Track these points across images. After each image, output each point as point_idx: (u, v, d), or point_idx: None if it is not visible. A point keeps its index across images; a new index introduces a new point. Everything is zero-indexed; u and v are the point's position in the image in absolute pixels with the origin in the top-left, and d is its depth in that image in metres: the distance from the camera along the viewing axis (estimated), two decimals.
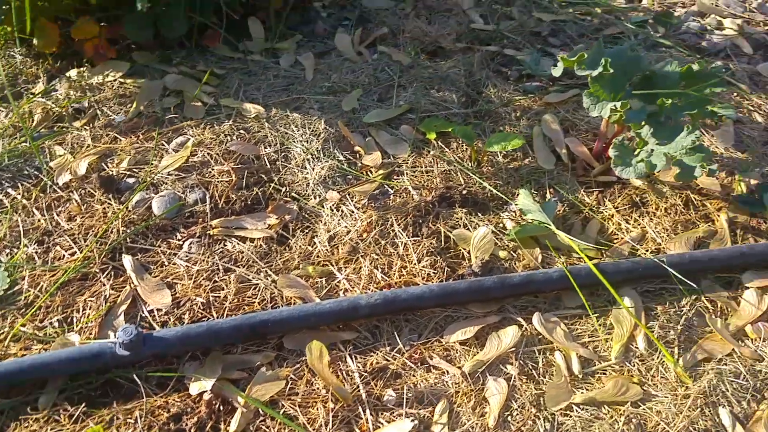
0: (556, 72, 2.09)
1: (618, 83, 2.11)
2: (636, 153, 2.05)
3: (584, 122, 2.45)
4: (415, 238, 2.02)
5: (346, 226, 2.05)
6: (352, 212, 2.10)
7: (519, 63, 2.80)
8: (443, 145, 2.33)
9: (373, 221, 2.05)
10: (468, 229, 2.06)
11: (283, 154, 2.28)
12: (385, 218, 2.06)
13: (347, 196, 2.15)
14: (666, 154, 1.95)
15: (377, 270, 1.94)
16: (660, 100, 2.06)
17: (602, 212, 2.15)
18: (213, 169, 2.18)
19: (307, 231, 2.06)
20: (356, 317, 1.79)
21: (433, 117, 2.45)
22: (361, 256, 1.97)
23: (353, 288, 1.90)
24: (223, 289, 1.85)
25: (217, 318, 1.77)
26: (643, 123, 2.10)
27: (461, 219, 2.09)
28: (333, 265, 1.95)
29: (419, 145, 2.33)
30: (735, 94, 2.64)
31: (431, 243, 2.00)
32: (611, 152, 2.02)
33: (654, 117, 2.11)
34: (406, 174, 2.24)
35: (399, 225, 2.05)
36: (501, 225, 2.09)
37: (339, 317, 1.76)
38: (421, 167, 2.25)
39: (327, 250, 2.00)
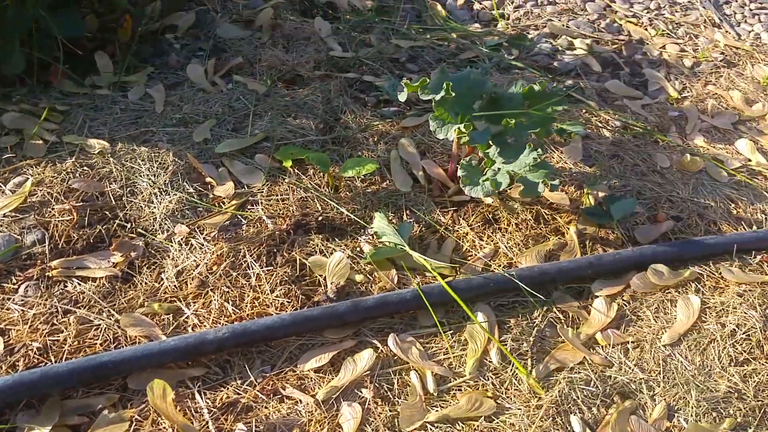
0: (402, 97, 2.15)
1: (463, 106, 2.20)
2: (484, 172, 2.13)
3: (440, 145, 2.53)
4: (269, 268, 2.02)
5: (194, 260, 2.03)
6: (202, 245, 2.09)
7: (377, 89, 2.86)
8: (300, 173, 2.35)
9: (223, 253, 2.04)
10: (324, 255, 2.09)
11: (129, 189, 2.24)
12: (237, 250, 2.06)
13: (197, 229, 2.14)
14: (510, 172, 2.04)
15: (228, 303, 1.93)
16: (504, 121, 2.16)
17: (457, 231, 2.22)
18: (53, 209, 2.12)
19: (153, 267, 2.03)
20: (204, 353, 1.77)
21: (289, 145, 2.47)
22: (211, 289, 1.96)
23: (202, 323, 1.88)
24: (62, 332, 1.80)
25: (56, 362, 1.71)
26: (489, 143, 2.19)
27: (318, 245, 2.11)
28: (181, 301, 1.93)
29: (275, 173, 2.34)
30: (584, 110, 2.79)
31: (286, 272, 2.01)
32: (459, 172, 2.10)
33: (500, 137, 2.20)
34: (261, 203, 2.24)
35: (252, 256, 2.05)
36: (358, 249, 2.12)
37: (185, 354, 1.75)
38: (277, 195, 2.27)
39: (175, 285, 1.97)
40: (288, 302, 1.93)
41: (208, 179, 2.31)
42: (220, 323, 1.87)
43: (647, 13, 3.65)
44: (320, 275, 2.03)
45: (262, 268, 2.02)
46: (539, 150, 2.07)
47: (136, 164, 2.34)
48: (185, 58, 3.00)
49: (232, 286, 1.97)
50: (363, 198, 2.29)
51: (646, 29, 3.51)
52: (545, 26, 3.42)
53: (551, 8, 3.58)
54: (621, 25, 3.53)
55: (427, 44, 3.22)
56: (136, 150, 2.39)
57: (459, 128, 2.08)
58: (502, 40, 3.28)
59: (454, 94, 2.05)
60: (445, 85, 2.04)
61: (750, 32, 3.56)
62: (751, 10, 3.76)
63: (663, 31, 3.50)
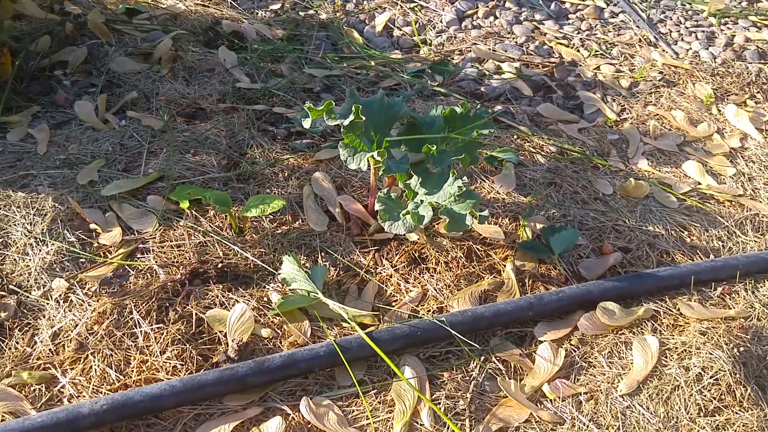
0: (306, 124, 1.98)
1: (378, 131, 2.03)
2: (406, 205, 1.95)
3: (358, 178, 2.36)
4: (159, 326, 1.80)
5: (73, 319, 1.80)
6: (83, 302, 1.85)
7: (289, 120, 2.69)
8: (198, 215, 2.14)
9: (107, 310, 1.82)
10: (225, 307, 1.88)
11: (0, 240, 2.00)
12: (122, 305, 1.84)
13: (77, 283, 1.90)
14: (432, 204, 1.87)
15: (110, 369, 1.70)
16: (425, 147, 1.99)
17: (380, 273, 2.04)
18: None
19: (26, 329, 1.80)
20: (80, 430, 1.54)
21: (186, 184, 2.26)
22: (91, 353, 1.73)
23: (80, 393, 1.65)
24: None
25: None
26: (410, 173, 2.02)
27: (217, 297, 1.90)
28: (56, 368, 1.70)
29: (170, 216, 2.13)
30: (516, 136, 2.66)
31: (179, 329, 1.79)
32: (377, 206, 1.92)
33: (421, 166, 2.04)
34: (152, 251, 2.02)
35: (139, 312, 1.83)
36: (265, 299, 1.92)
37: None
38: (171, 242, 2.05)
39: (50, 349, 1.74)
40: (181, 365, 1.71)
41: (93, 226, 2.09)
42: (100, 393, 1.64)
43: (578, 33, 3.57)
44: (220, 331, 1.81)
45: (151, 325, 1.80)
46: (464, 178, 1.90)
47: (10, 212, 2.10)
48: (76, 95, 2.79)
49: (115, 349, 1.74)
50: (272, 240, 2.09)
51: (578, 50, 3.42)
52: (470, 50, 3.30)
53: (476, 32, 3.47)
54: (551, 47, 3.44)
55: (344, 73, 3.07)
56: (11, 196, 2.15)
57: (373, 156, 1.90)
58: (424, 66, 3.15)
59: (364, 118, 1.87)
60: (354, 108, 1.87)
61: (688, 50, 3.51)
62: (687, 28, 3.72)
63: (596, 51, 3.42)
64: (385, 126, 2.06)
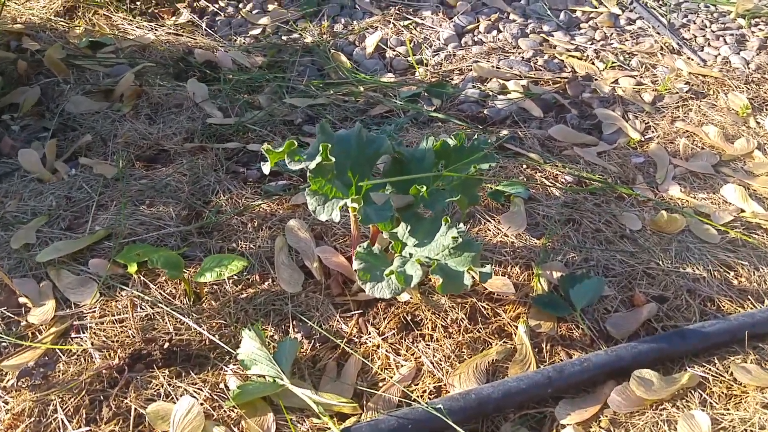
0: (265, 169, 1.64)
1: (356, 172, 1.69)
2: (392, 261, 1.60)
3: (341, 224, 2.02)
4: (90, 427, 1.47)
5: None
6: None
7: (264, 159, 2.33)
8: (148, 281, 1.81)
9: (25, 410, 1.48)
10: (172, 399, 1.53)
11: None
12: (46, 402, 1.51)
13: None
14: (421, 261, 1.51)
15: None
16: (413, 188, 1.65)
17: (364, 343, 1.70)
18: None
19: None
20: None
21: (138, 242, 1.93)
22: None
23: None
24: None
25: None
26: (397, 219, 1.68)
27: (162, 386, 1.56)
28: None
29: (115, 283, 1.80)
30: (525, 165, 2.30)
31: (113, 430, 1.46)
32: (355, 264, 1.58)
33: (409, 210, 1.69)
34: (89, 329, 1.69)
35: (66, 410, 1.50)
36: (222, 385, 1.57)
37: None
38: (113, 315, 1.72)
39: None
40: None
41: (23, 300, 1.77)
42: None
43: (592, 44, 3.23)
44: (164, 431, 1.46)
45: (79, 427, 1.47)
46: (461, 225, 1.55)
47: None
48: (25, 141, 2.47)
49: None
50: (234, 308, 1.76)
51: (592, 63, 3.07)
52: (471, 69, 2.96)
53: (477, 48, 3.13)
54: (562, 60, 3.09)
55: (330, 101, 2.74)
56: None
57: (347, 204, 1.55)
58: (420, 89, 2.81)
59: (334, 160, 1.52)
60: (321, 147, 1.52)
61: (716, 56, 3.16)
62: (713, 31, 3.36)
63: (613, 63, 3.07)
64: (366, 165, 1.73)
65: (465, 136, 1.77)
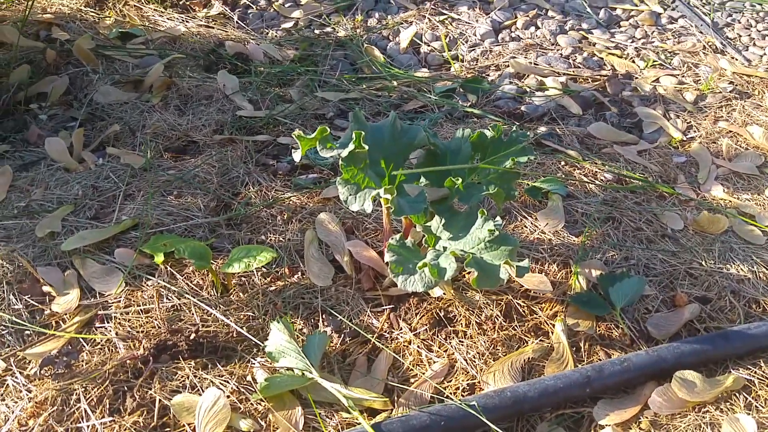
0: (295, 157, 1.62)
1: (388, 159, 1.66)
2: (425, 254, 1.57)
3: (372, 218, 1.99)
4: (113, 418, 1.46)
5: (4, 412, 1.44)
6: (21, 388, 1.50)
7: (296, 147, 2.32)
8: (175, 271, 1.79)
9: (48, 398, 1.46)
10: (197, 391, 1.51)
11: None
12: (69, 391, 1.48)
13: (17, 363, 1.55)
14: (456, 254, 1.48)
15: None
16: (449, 181, 1.62)
17: (396, 339, 1.66)
18: None
19: None
20: None
21: (165, 233, 1.91)
22: None
23: None
24: None
25: None
26: (431, 213, 1.64)
27: (188, 378, 1.54)
28: None
29: (141, 273, 1.78)
30: (563, 162, 2.26)
31: (137, 422, 1.44)
32: (387, 257, 1.54)
33: (443, 204, 1.65)
34: (114, 318, 1.67)
35: (89, 400, 1.48)
36: (249, 378, 1.54)
37: None
38: (138, 305, 1.70)
39: None
40: None
41: (47, 288, 1.75)
42: None
43: (632, 42, 3.17)
44: (189, 424, 1.45)
45: (102, 417, 1.45)
46: (497, 219, 1.51)
47: None
48: (52, 130, 2.48)
49: None
50: (262, 300, 1.73)
51: (632, 61, 3.02)
52: (508, 65, 2.92)
53: (515, 45, 3.09)
54: (602, 58, 3.04)
55: (363, 96, 2.71)
56: None
57: (379, 194, 1.52)
58: (455, 84, 2.77)
59: (367, 148, 1.49)
60: (354, 135, 1.49)
61: (762, 56, 3.10)
62: (758, 31, 3.30)
63: (654, 61, 3.01)
64: (399, 156, 1.70)
65: (503, 128, 1.73)
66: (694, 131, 2.56)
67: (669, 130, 2.53)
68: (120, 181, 2.16)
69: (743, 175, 2.33)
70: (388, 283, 1.81)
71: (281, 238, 1.94)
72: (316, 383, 1.51)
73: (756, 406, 1.54)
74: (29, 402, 1.49)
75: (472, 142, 1.72)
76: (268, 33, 3.20)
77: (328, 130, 1.58)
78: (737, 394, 1.57)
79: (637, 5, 3.49)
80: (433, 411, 1.45)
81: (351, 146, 1.54)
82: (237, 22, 3.25)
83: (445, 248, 1.58)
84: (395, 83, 2.80)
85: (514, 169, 1.70)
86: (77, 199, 2.09)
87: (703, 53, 3.10)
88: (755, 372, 1.61)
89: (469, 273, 1.80)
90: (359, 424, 1.44)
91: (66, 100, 2.64)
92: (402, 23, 3.26)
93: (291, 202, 2.08)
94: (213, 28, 3.17)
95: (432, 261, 1.52)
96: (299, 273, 1.85)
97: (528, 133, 1.81)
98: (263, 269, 1.83)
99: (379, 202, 1.60)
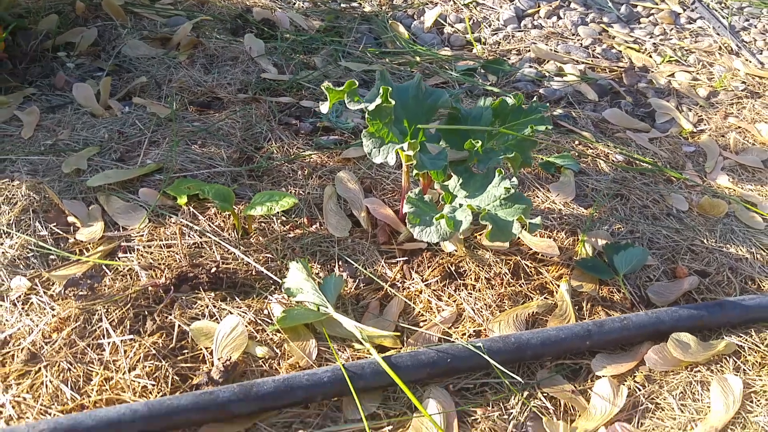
0: (323, 108, 1.70)
1: (412, 119, 1.74)
2: (441, 211, 1.65)
3: (390, 180, 2.06)
4: (132, 337, 1.52)
5: (29, 325, 1.52)
6: (45, 305, 1.57)
7: (316, 115, 2.40)
8: (197, 212, 1.86)
9: (71, 316, 1.53)
10: (216, 320, 1.58)
11: None
12: (91, 311, 1.56)
13: (42, 283, 1.63)
14: (473, 208, 1.56)
15: (66, 385, 1.42)
16: (468, 143, 1.69)
17: (407, 288, 1.74)
18: None
19: None
20: None
21: (188, 177, 1.99)
22: (44, 366, 1.45)
23: (23, 414, 1.37)
24: None
25: None
26: (449, 173, 1.72)
27: (207, 307, 1.61)
28: None
29: (164, 213, 1.85)
30: (577, 142, 2.34)
31: (156, 343, 1.51)
32: (406, 208, 1.62)
33: (462, 165, 1.73)
34: (137, 250, 1.74)
35: (110, 319, 1.54)
36: (266, 312, 1.62)
37: None
38: (161, 240, 1.78)
39: None
40: (153, 385, 1.42)
41: (71, 219, 1.83)
42: (49, 415, 1.35)
43: (650, 38, 3.25)
44: (206, 348, 1.53)
45: (122, 335, 1.52)
46: (513, 179, 1.59)
47: None
48: (79, 78, 2.55)
49: (74, 362, 1.46)
50: (281, 245, 1.81)
51: (650, 56, 3.10)
52: (529, 50, 3.00)
53: (536, 32, 3.17)
54: (620, 51, 3.12)
55: (386, 69, 2.77)
56: None
57: (403, 149, 1.60)
58: (476, 65, 2.85)
59: (393, 102, 1.57)
60: (381, 89, 1.57)
61: None
62: None
63: (671, 57, 3.08)
64: (422, 117, 1.78)
65: (523, 97, 1.81)
66: (705, 124, 2.63)
67: (680, 122, 2.61)
68: (145, 128, 2.24)
69: (748, 167, 2.41)
70: (403, 238, 1.88)
71: (301, 191, 2.01)
72: (330, 318, 1.58)
73: (744, 369, 1.62)
74: (53, 317, 1.56)
75: (493, 109, 1.80)
76: (294, 3, 3.28)
77: (356, 83, 1.65)
78: (727, 358, 1.65)
79: (657, 4, 3.57)
80: (441, 349, 1.52)
81: (378, 100, 1.61)
82: None
83: (461, 205, 1.66)
84: (418, 59, 2.87)
85: (532, 137, 1.77)
86: (103, 141, 2.16)
87: (719, 53, 3.18)
88: (746, 339, 1.69)
89: (481, 234, 1.87)
90: (370, 357, 1.51)
91: (94, 51, 2.71)
92: (427, 3, 3.34)
93: (312, 160, 2.16)
94: None
95: (449, 214, 1.60)
96: (317, 224, 1.92)
97: (546, 105, 1.89)
98: (283, 217, 1.90)
99: (399, 163, 1.68)
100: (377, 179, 2.08)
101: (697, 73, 2.99)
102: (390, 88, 1.61)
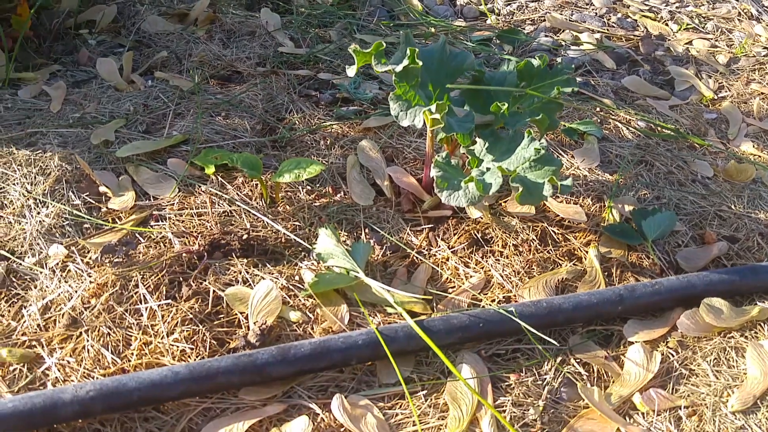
0: (350, 72, 1.71)
1: (436, 83, 1.75)
2: (467, 174, 1.66)
3: (412, 148, 2.08)
4: (169, 302, 1.55)
5: (68, 291, 1.54)
6: (81, 272, 1.60)
7: (335, 87, 2.42)
8: (226, 182, 1.89)
9: (108, 282, 1.56)
10: (249, 285, 1.60)
11: None
12: (127, 277, 1.58)
13: (77, 250, 1.65)
14: (502, 170, 1.57)
15: (107, 350, 1.45)
16: (494, 105, 1.70)
17: (434, 255, 1.75)
18: None
19: (15, 300, 1.57)
20: (59, 419, 1.29)
21: (214, 148, 2.00)
22: (85, 330, 1.48)
23: (68, 377, 1.40)
24: None
25: None
26: (474, 136, 1.73)
27: (240, 273, 1.64)
28: (42, 346, 1.45)
29: (193, 182, 1.88)
30: (598, 109, 2.35)
31: (192, 308, 1.53)
32: (433, 172, 1.63)
33: (488, 128, 1.74)
34: (169, 218, 1.77)
35: (146, 285, 1.57)
36: (297, 278, 1.64)
37: (30, 421, 1.25)
38: (191, 209, 1.80)
39: (38, 324, 1.50)
40: (191, 349, 1.45)
41: (103, 189, 1.85)
42: (92, 377, 1.38)
43: (666, 6, 3.25)
44: (241, 312, 1.55)
45: (159, 301, 1.55)
46: (543, 141, 1.60)
47: (9, 170, 1.88)
48: (101, 54, 2.57)
49: (114, 327, 1.49)
50: (308, 213, 1.83)
51: (666, 24, 3.10)
52: (544, 20, 3.00)
53: (550, 2, 3.18)
54: (635, 20, 3.12)
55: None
56: (13, 154, 1.93)
57: (430, 111, 1.61)
58: (491, 35, 2.85)
59: (421, 63, 1.58)
60: (408, 50, 1.58)
61: None
62: None
63: (688, 25, 3.08)
64: (447, 79, 1.79)
65: (548, 59, 1.81)
66: (726, 91, 2.63)
67: (701, 89, 2.61)
68: (169, 101, 2.25)
69: None
70: (428, 206, 1.90)
71: (324, 161, 2.03)
72: (362, 283, 1.60)
73: None
74: (91, 283, 1.59)
75: (518, 70, 1.81)
76: None
77: (384, 45, 1.66)
78: (762, 324, 1.66)
79: None
80: (473, 313, 1.54)
81: (405, 62, 1.63)
82: None
83: (488, 168, 1.67)
84: (432, 30, 2.88)
85: (558, 99, 1.78)
86: (129, 114, 2.18)
87: (738, 20, 3.17)
88: None
89: (506, 201, 1.89)
90: (402, 321, 1.54)
91: (114, 27, 2.72)
92: None
93: (333, 130, 2.17)
94: None
95: (478, 176, 1.61)
96: (342, 193, 1.94)
97: (571, 66, 1.89)
98: (308, 186, 1.92)
99: (421, 131, 1.68)
100: (398, 148, 2.10)
101: (716, 40, 2.99)
102: (417, 49, 1.62)
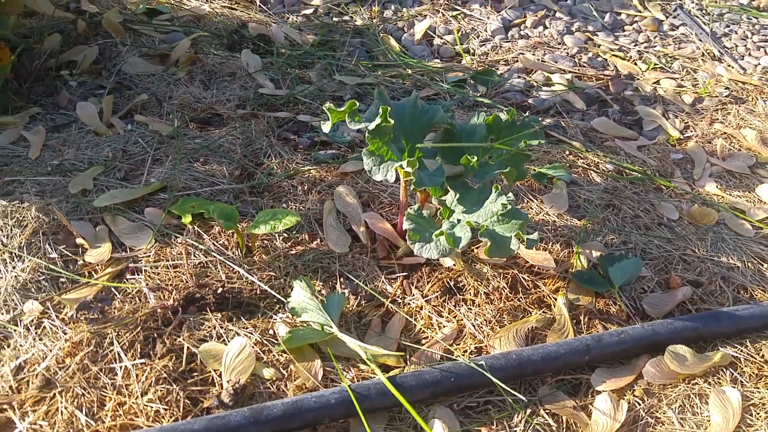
0: (325, 128, 1.68)
1: (410, 139, 1.72)
2: (440, 225, 1.63)
3: (387, 194, 2.04)
4: (144, 361, 1.50)
5: (42, 350, 1.50)
6: (56, 329, 1.55)
7: (313, 129, 2.38)
8: (202, 231, 1.84)
9: (83, 340, 1.51)
10: (223, 341, 1.56)
11: None
12: (102, 335, 1.54)
13: (53, 307, 1.61)
14: (471, 224, 1.54)
15: (80, 411, 1.40)
16: (464, 158, 1.68)
17: (408, 304, 1.72)
18: None
19: None
20: None
21: (192, 196, 1.96)
22: (59, 392, 1.43)
23: None
24: None
25: None
26: (446, 188, 1.70)
27: (215, 328, 1.60)
28: (14, 409, 1.40)
29: (169, 232, 1.83)
30: (567, 152, 2.33)
31: (166, 366, 1.49)
32: (405, 224, 1.60)
33: (458, 180, 1.72)
34: (144, 271, 1.72)
35: (121, 343, 1.53)
36: (272, 332, 1.60)
37: None
38: (167, 261, 1.75)
39: (10, 386, 1.45)
40: (165, 409, 1.41)
41: (80, 240, 1.80)
42: None
43: (635, 46, 3.24)
44: (215, 370, 1.51)
45: (134, 359, 1.50)
46: (510, 195, 1.57)
47: None
48: (81, 96, 2.52)
49: (88, 387, 1.44)
50: (284, 262, 1.79)
51: (635, 64, 3.08)
52: (517, 60, 2.98)
53: (523, 42, 3.15)
54: (605, 59, 3.10)
55: (378, 82, 2.76)
56: None
57: (402, 166, 1.58)
58: (466, 76, 2.83)
59: (393, 122, 1.56)
60: (381, 109, 1.56)
61: (756, 66, 3.16)
62: (754, 42, 3.36)
63: (656, 64, 3.07)
64: (418, 133, 1.76)
65: (516, 112, 1.79)
66: (691, 131, 2.62)
67: (667, 129, 2.60)
68: (148, 146, 2.21)
69: (735, 173, 2.40)
70: (402, 253, 1.86)
71: (301, 207, 2.00)
72: (335, 338, 1.57)
73: (741, 380, 1.61)
74: (66, 342, 1.54)
75: (487, 124, 1.78)
76: (288, 18, 3.25)
77: (357, 104, 1.63)
78: (724, 370, 1.64)
79: (641, 12, 3.56)
80: (444, 368, 1.51)
81: (378, 120, 1.60)
82: (259, 5, 3.30)
83: (459, 220, 1.64)
84: (409, 71, 2.85)
85: (525, 151, 1.76)
86: (107, 160, 2.14)
87: (702, 60, 3.17)
88: (741, 350, 1.68)
89: (478, 247, 1.86)
90: (375, 376, 1.50)
91: (95, 69, 2.68)
92: (417, 16, 3.32)
93: (311, 175, 2.14)
94: (236, 9, 3.23)
95: (448, 230, 1.58)
96: (318, 240, 1.90)
97: (538, 119, 1.87)
98: (284, 234, 1.88)
99: (396, 178, 1.66)
100: (375, 193, 2.07)
101: (682, 80, 2.98)
102: (389, 108, 1.60)
